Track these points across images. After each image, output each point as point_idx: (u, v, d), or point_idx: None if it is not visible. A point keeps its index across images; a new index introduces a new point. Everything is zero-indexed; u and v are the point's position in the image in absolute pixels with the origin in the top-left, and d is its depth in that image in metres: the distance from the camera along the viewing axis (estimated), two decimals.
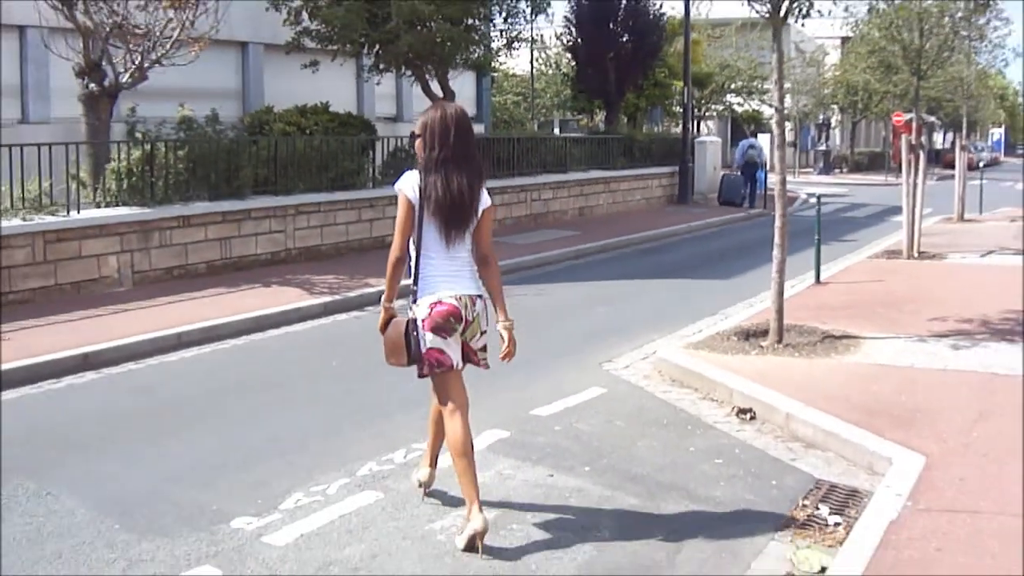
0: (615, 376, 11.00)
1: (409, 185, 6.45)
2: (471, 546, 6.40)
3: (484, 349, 6.73)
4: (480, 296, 6.60)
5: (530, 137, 28.63)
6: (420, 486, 7.31)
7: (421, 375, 6.56)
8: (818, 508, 7.21)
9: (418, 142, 6.54)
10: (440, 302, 6.42)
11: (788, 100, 51.31)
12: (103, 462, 8.12)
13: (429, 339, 6.42)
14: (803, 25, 13.02)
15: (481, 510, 6.41)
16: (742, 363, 10.82)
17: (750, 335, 12.03)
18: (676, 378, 10.77)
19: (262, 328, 13.36)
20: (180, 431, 8.96)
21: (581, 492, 7.44)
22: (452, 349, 6.50)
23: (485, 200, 6.56)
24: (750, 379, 10.06)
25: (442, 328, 6.42)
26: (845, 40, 61.45)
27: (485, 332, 6.69)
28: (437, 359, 6.46)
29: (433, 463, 7.23)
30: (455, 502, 7.16)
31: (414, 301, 6.50)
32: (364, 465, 7.94)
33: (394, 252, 6.46)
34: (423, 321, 6.43)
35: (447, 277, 6.48)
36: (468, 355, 6.66)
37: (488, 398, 9.86)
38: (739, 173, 33.60)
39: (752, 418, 9.32)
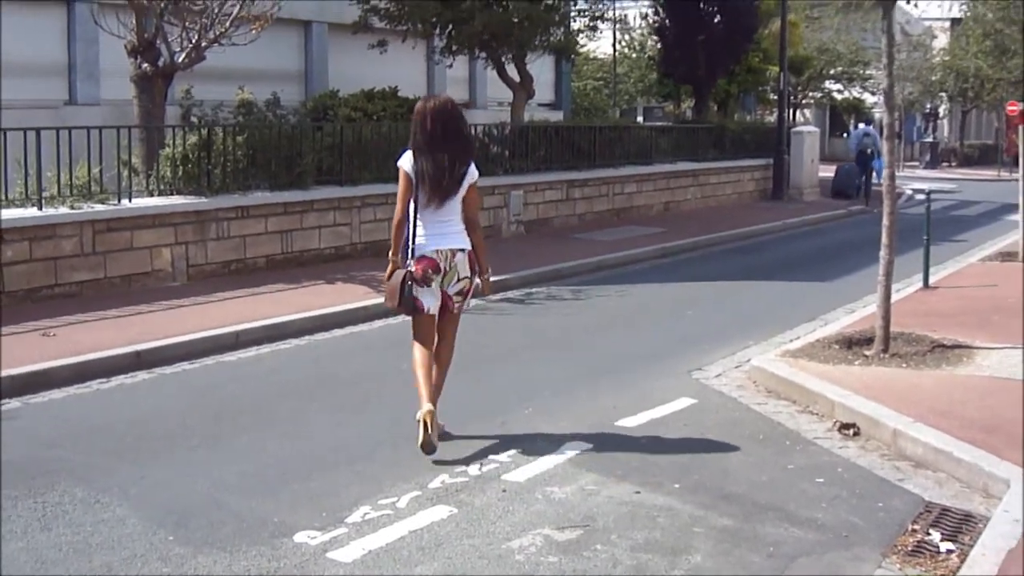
0: (706, 385, 10.93)
1: (407, 162, 8.57)
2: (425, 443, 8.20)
3: (460, 293, 8.70)
4: (461, 250, 8.62)
5: (612, 125, 28.61)
6: (424, 427, 8.25)
7: (401, 313, 8.85)
8: (929, 533, 7.11)
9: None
10: (423, 257, 8.55)
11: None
12: (156, 468, 8.15)
13: (414, 289, 8.52)
14: (916, 5, 12.89)
15: (425, 404, 8.30)
16: (844, 374, 10.71)
17: (853, 343, 11.91)
18: (772, 389, 10.68)
19: (326, 327, 13.43)
20: (238, 436, 9.01)
21: (670, 511, 7.39)
22: (427, 297, 8.58)
23: (471, 175, 8.61)
24: (853, 391, 9.94)
25: (422, 279, 8.52)
26: (955, 22, 60.92)
27: (463, 279, 8.65)
28: (415, 304, 8.56)
29: (432, 399, 8.45)
30: (534, 519, 7.15)
31: (409, 257, 8.58)
32: (436, 477, 7.93)
33: (396, 216, 8.64)
34: (409, 273, 8.51)
35: (434, 236, 8.57)
36: (444, 301, 8.67)
37: (570, 408, 9.88)
38: (854, 163, 33.90)
39: (856, 434, 9.21)
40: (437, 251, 8.53)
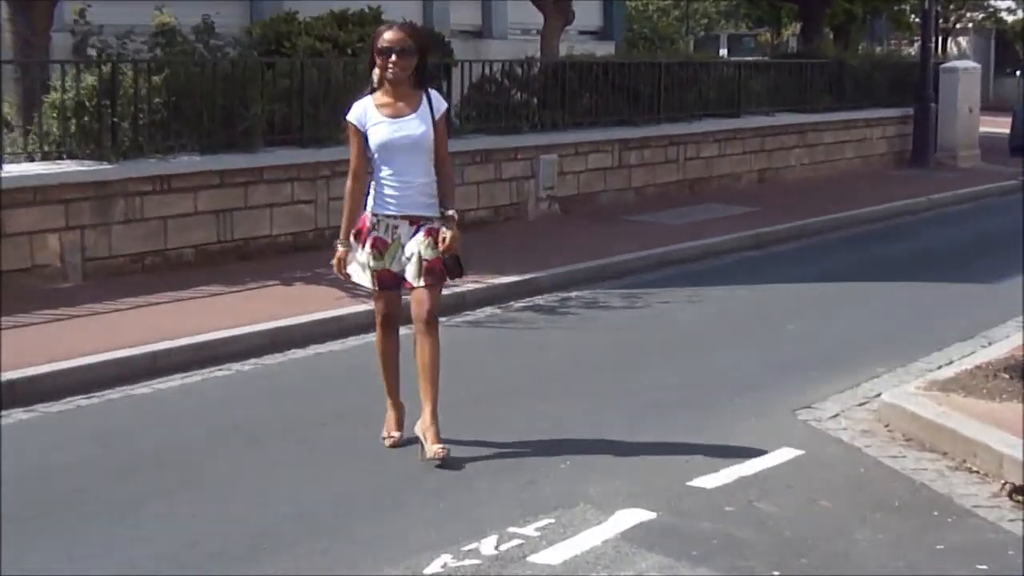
0: (817, 430, 10.92)
1: None
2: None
3: None
4: None
5: (683, 62, 28.42)
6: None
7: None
8: None
9: None
10: None
11: None
12: (34, 548, 8.12)
13: None
14: None
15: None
16: (1017, 415, 10.66)
17: None
18: (913, 436, 10.65)
19: (279, 347, 13.45)
20: (154, 501, 8.97)
21: None
22: None
23: None
24: None
25: None
26: None
27: None
28: None
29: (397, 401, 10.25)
30: None
31: None
32: (435, 558, 7.91)
33: None
34: None
35: None
36: None
37: (624, 461, 9.89)
38: None
39: None
40: None
